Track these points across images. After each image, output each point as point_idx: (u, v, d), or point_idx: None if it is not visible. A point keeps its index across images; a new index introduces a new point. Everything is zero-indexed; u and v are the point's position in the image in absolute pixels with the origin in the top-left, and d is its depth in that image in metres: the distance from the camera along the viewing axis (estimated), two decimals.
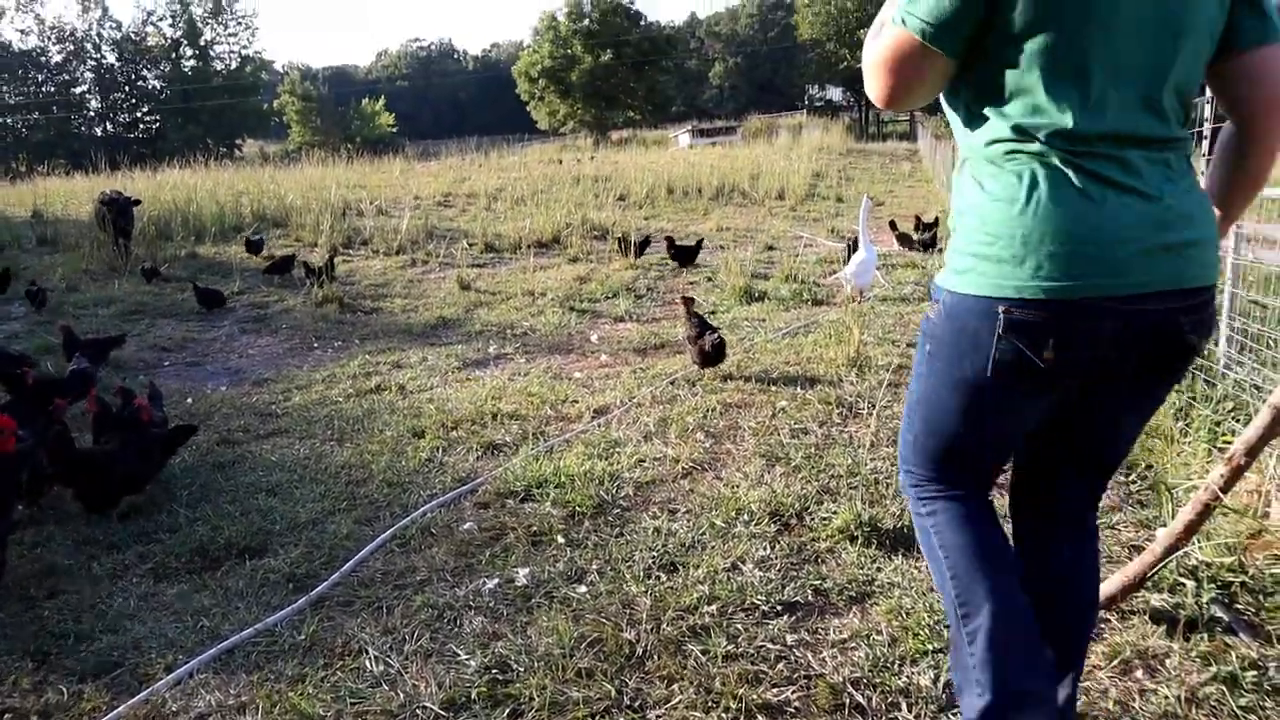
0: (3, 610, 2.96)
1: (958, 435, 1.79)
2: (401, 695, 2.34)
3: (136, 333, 7.52)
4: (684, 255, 9.83)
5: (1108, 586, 2.58)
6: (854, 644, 2.48)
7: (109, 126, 59.99)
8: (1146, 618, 2.50)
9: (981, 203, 1.60)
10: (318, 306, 8.42)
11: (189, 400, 5.48)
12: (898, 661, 2.38)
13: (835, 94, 62.77)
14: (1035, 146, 1.53)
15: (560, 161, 26.17)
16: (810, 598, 2.74)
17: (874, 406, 4.52)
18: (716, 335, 5.23)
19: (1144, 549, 2.74)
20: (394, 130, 58.30)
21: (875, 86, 1.65)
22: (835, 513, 3.27)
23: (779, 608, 2.68)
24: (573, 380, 5.55)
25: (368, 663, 2.51)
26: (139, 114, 60.75)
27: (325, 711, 2.28)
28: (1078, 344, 1.56)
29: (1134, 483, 3.49)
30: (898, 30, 1.55)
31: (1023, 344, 1.56)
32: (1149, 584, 2.59)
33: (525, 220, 12.98)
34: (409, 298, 8.90)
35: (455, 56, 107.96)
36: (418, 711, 2.27)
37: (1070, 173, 1.51)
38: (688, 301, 5.75)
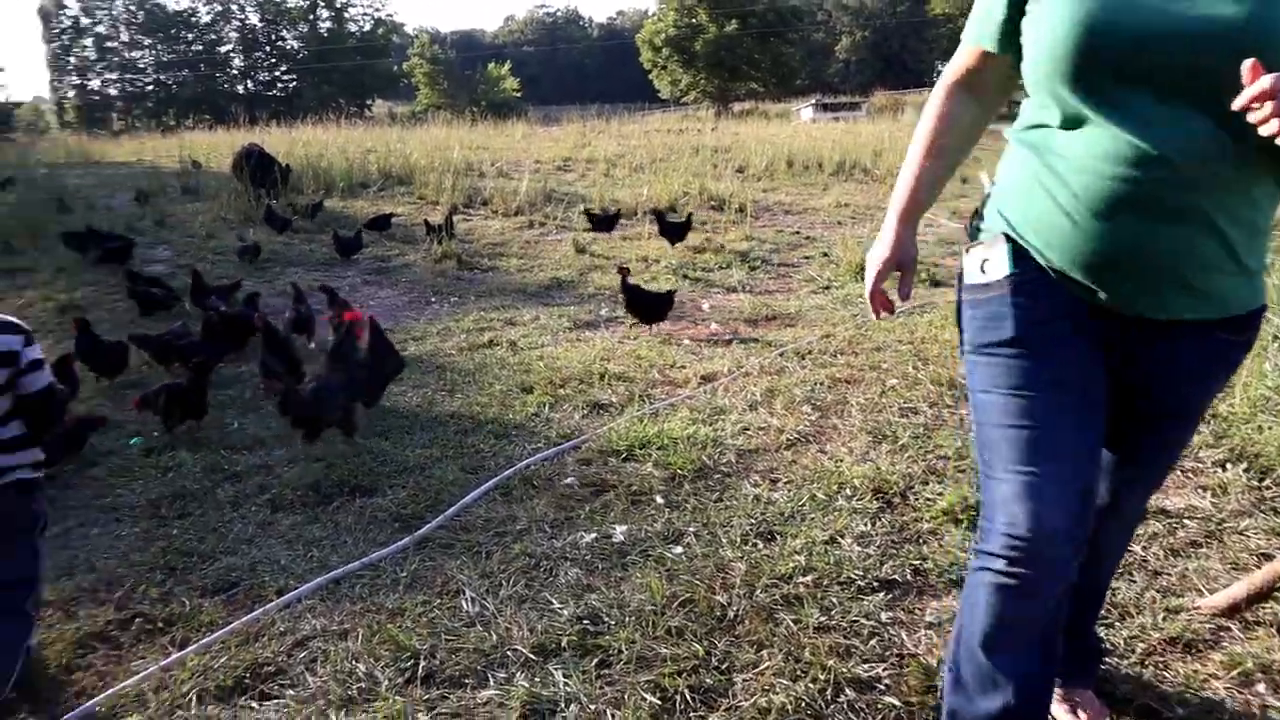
0: (139, 525, 3.18)
1: None
2: (494, 636, 2.40)
3: (266, 279, 7.88)
4: (601, 224, 10.09)
5: (1232, 593, 2.44)
6: (951, 627, 2.41)
7: (250, 85, 62.63)
8: (1273, 629, 2.35)
9: None
10: (436, 263, 8.64)
11: (312, 345, 5.72)
12: None
13: None
14: None
15: (682, 131, 26.03)
16: (909, 577, 2.68)
17: None
18: (668, 292, 5.97)
19: (1274, 557, 2.58)
20: (518, 95, 58.91)
21: None
22: (940, 494, 3.19)
23: (875, 584, 2.63)
24: (682, 346, 5.55)
25: (464, 603, 2.58)
26: (278, 73, 63.25)
27: (421, 645, 2.35)
28: None
29: (1268, 489, 3.27)
30: None
31: None
32: (1277, 594, 2.44)
33: (643, 188, 12.99)
34: (525, 258, 9.04)
35: (580, 23, 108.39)
36: (509, 653, 2.32)
37: None
38: (624, 271, 6.12)
